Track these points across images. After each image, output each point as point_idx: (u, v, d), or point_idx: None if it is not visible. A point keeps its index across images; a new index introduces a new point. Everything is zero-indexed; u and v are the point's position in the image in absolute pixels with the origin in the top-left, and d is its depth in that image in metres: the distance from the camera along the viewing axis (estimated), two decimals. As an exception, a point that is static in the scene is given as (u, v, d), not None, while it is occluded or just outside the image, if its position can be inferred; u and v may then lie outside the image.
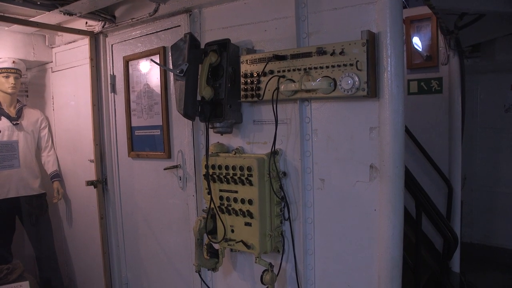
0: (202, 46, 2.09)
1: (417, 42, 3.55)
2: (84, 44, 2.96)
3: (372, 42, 1.65)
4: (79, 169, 3.17)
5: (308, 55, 1.76)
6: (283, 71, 1.83)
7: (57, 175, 3.30)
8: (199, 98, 2.04)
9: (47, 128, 3.36)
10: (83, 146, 3.10)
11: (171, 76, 2.41)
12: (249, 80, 1.94)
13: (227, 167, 1.99)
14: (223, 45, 2.00)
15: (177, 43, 1.99)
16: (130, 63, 2.69)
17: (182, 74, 1.91)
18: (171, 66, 2.05)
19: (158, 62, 2.42)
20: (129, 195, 2.82)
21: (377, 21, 1.68)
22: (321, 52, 1.71)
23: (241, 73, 1.97)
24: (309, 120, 1.89)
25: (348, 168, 1.80)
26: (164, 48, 2.47)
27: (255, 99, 1.92)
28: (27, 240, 3.33)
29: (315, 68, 1.73)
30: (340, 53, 1.66)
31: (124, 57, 2.72)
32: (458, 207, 3.44)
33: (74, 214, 3.30)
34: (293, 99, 1.88)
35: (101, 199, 2.91)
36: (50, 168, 3.32)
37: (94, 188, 2.89)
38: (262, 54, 1.91)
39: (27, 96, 3.56)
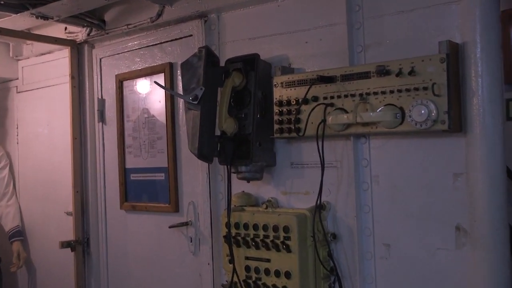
0: (222, 64, 2.27)
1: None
2: (62, 56, 3.21)
3: (454, 56, 1.75)
4: (52, 224, 3.35)
5: (365, 75, 1.89)
6: (331, 97, 1.97)
7: (19, 233, 3.44)
8: (218, 132, 2.20)
9: (7, 168, 3.56)
10: (58, 193, 3.30)
11: (181, 102, 2.60)
12: (285, 110, 2.09)
13: (255, 227, 2.10)
14: (250, 63, 2.17)
15: (189, 60, 2.18)
16: (125, 83, 2.92)
17: (196, 102, 2.09)
18: (181, 91, 2.23)
19: (163, 85, 2.62)
20: (120, 261, 2.96)
21: (461, 27, 1.78)
22: (382, 71, 1.83)
23: (274, 100, 2.13)
24: (367, 163, 2.01)
25: (423, 230, 1.88)
26: (170, 65, 2.68)
27: (294, 134, 2.06)
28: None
29: (375, 93, 1.86)
30: (410, 73, 1.78)
31: (117, 76, 2.95)
32: None
33: (41, 287, 3.45)
34: (345, 135, 2.00)
35: (81, 267, 3.07)
36: (9, 223, 3.44)
37: (72, 251, 3.05)
38: (302, 75, 2.06)
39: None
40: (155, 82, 2.23)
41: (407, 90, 1.78)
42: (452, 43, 1.75)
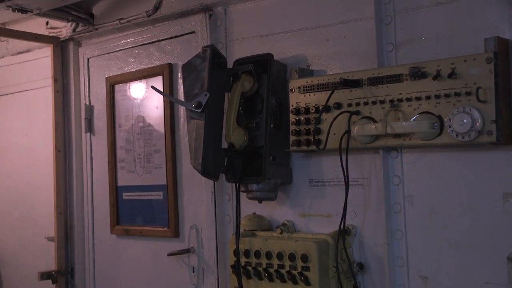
0: (230, 65, 2.30)
1: None
2: (43, 56, 3.25)
3: (503, 55, 1.76)
4: (29, 252, 3.35)
5: (396, 79, 1.91)
6: (357, 104, 1.99)
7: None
8: (225, 145, 2.23)
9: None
10: (37, 215, 3.32)
11: (182, 110, 2.64)
12: (303, 118, 2.12)
13: (269, 255, 2.11)
14: (262, 64, 2.20)
15: (192, 61, 2.21)
16: (117, 87, 2.96)
17: (199, 110, 2.11)
18: (182, 97, 2.26)
19: (162, 90, 2.66)
20: (109, 295, 2.99)
21: (512, 20, 1.78)
22: (417, 74, 1.85)
23: (290, 108, 2.16)
24: (399, 181, 2.02)
25: (468, 261, 1.87)
26: (170, 66, 2.72)
27: (313, 147, 2.08)
28: None
29: (408, 99, 1.87)
30: (450, 76, 1.78)
31: (107, 79, 3.00)
32: None
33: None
34: (374, 148, 2.02)
35: (64, 302, 3.09)
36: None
37: (53, 283, 3.07)
38: (323, 78, 2.09)
39: None
40: (152, 87, 2.26)
41: (447, 95, 1.80)
42: (501, 40, 1.75)
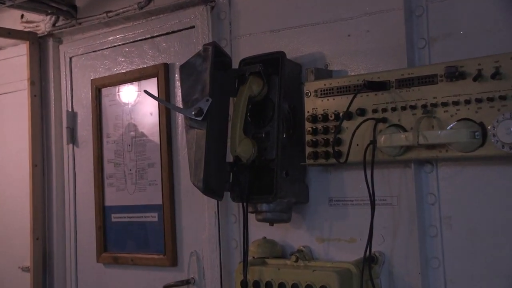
0: (235, 66, 2.32)
1: None
2: (17, 54, 3.30)
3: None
4: (1, 284, 3.36)
5: (429, 80, 1.91)
6: (384, 110, 2.00)
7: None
8: (230, 158, 2.25)
9: None
10: (10, 241, 3.33)
11: (180, 118, 2.66)
12: (320, 127, 2.13)
13: (282, 287, 2.12)
14: (272, 64, 2.22)
15: (191, 61, 2.23)
16: (104, 91, 2.99)
17: (200, 118, 2.13)
18: (180, 103, 2.28)
19: (157, 95, 2.68)
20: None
21: None
22: (454, 74, 1.85)
23: (306, 114, 2.18)
24: (435, 200, 2.02)
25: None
26: (166, 66, 2.74)
27: (333, 160, 2.09)
28: None
29: (444, 104, 1.88)
30: (493, 76, 1.78)
31: (93, 81, 3.03)
32: None
33: None
34: (404, 161, 2.03)
35: None
36: None
37: (30, 320, 3.08)
38: (344, 80, 2.11)
39: None
40: (145, 91, 2.27)
41: (490, 99, 1.80)
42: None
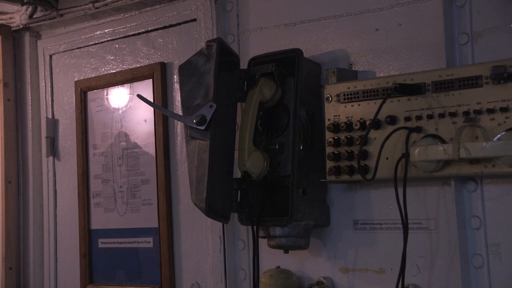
0: (244, 66, 2.34)
1: None
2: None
3: None
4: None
5: (472, 83, 1.90)
6: (418, 117, 2.00)
7: None
8: (238, 174, 2.26)
9: None
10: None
11: (180, 126, 2.67)
12: (343, 137, 2.13)
13: (299, 325, 2.14)
14: (287, 63, 2.23)
15: (193, 61, 2.24)
16: (90, 95, 3.01)
17: (203, 127, 2.14)
18: (180, 109, 2.29)
19: (152, 100, 2.70)
20: None
21: None
22: (502, 75, 1.84)
23: (327, 123, 2.17)
24: (479, 224, 2.01)
25: None
26: (163, 66, 2.75)
27: (358, 177, 2.08)
28: None
29: (490, 111, 1.87)
30: (549, 78, 1.80)
31: (77, 83, 3.05)
32: None
33: None
34: (442, 178, 2.03)
35: None
36: None
37: None
38: (371, 82, 2.11)
39: None
40: (139, 96, 2.28)
41: (544, 105, 1.81)
42: None
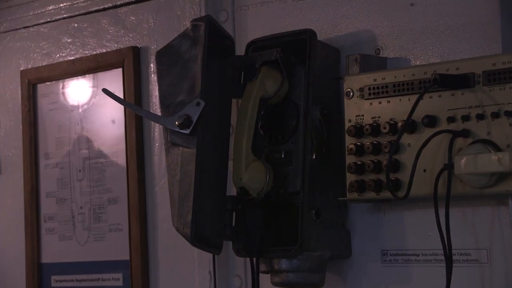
0: (241, 51, 2.37)
1: None
2: None
3: None
4: None
5: (536, 73, 1.94)
6: (465, 118, 2.00)
7: None
8: (233, 191, 2.29)
9: None
10: None
11: (158, 129, 2.71)
12: (368, 143, 2.14)
13: None
14: (296, 48, 2.26)
15: (175, 45, 2.27)
16: (42, 89, 3.05)
17: (187, 131, 2.16)
18: (158, 108, 2.32)
19: (122, 97, 2.73)
20: None
21: None
22: None
23: (347, 125, 2.19)
24: (546, 256, 2.04)
25: None
26: (135, 51, 2.79)
27: (387, 194, 2.09)
28: None
29: (558, 110, 1.90)
30: None
31: (23, 73, 3.09)
32: None
33: None
34: (497, 196, 2.04)
35: None
36: None
37: None
38: (403, 72, 2.12)
39: None
40: (104, 90, 2.31)
41: None
42: None
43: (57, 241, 2.96)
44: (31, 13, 3.08)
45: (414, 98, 2.05)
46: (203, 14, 2.51)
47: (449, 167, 1.99)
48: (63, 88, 3.00)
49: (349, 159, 2.18)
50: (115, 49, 2.85)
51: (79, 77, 2.96)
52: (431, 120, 2.05)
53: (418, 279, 2.21)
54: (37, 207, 3.02)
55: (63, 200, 2.96)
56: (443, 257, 2.00)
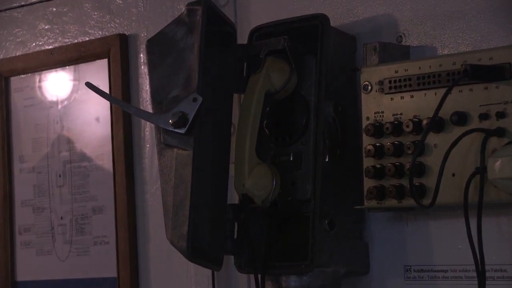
0: (243, 40, 2.38)
1: None
2: None
3: None
4: None
5: None
6: (500, 114, 1.99)
7: None
8: (234, 199, 2.31)
9: None
10: None
11: (149, 128, 2.71)
12: (389, 144, 2.14)
13: None
14: (307, 36, 2.26)
15: (168, 32, 2.27)
16: (15, 82, 3.06)
17: (183, 130, 2.16)
18: (149, 104, 2.32)
19: (108, 91, 2.73)
20: None
21: None
22: None
23: (365, 123, 2.19)
24: None
25: None
26: (123, 40, 2.79)
27: (411, 202, 2.08)
28: None
29: None
30: None
31: (-6, 65, 3.13)
32: None
33: None
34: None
35: None
36: None
37: None
38: (429, 62, 2.12)
39: None
40: (88, 84, 2.31)
41: None
42: None
43: (35, 256, 2.97)
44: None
45: (441, 92, 2.03)
46: (198, -4, 2.51)
47: (481, 170, 1.97)
48: (40, 81, 3.00)
49: (367, 162, 2.18)
50: (99, 36, 2.86)
51: (58, 69, 2.96)
52: (460, 118, 2.03)
53: (445, 301, 2.22)
54: (11, 217, 3.02)
55: (41, 210, 2.96)
56: (474, 274, 1.99)
